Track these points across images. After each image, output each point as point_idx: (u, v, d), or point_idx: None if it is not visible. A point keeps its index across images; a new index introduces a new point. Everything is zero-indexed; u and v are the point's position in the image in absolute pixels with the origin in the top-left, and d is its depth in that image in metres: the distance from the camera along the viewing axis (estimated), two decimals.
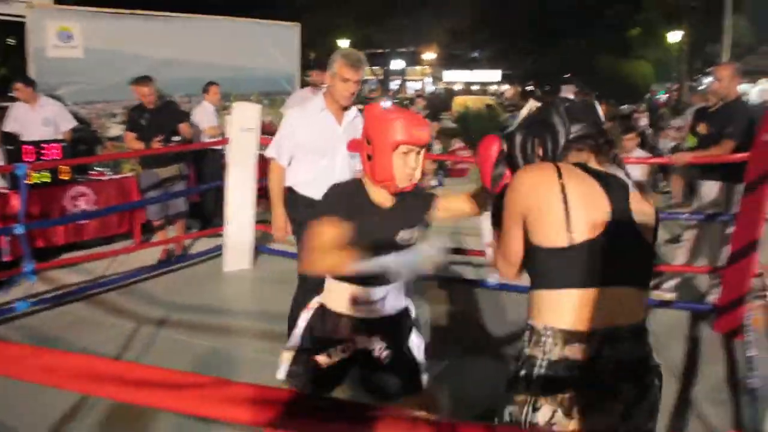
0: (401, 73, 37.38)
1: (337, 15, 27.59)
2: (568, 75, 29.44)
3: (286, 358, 2.37)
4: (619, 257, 1.60)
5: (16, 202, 5.24)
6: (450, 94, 29.24)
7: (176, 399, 1.17)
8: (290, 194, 3.71)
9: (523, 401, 1.60)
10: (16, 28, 8.20)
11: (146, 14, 8.72)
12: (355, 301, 2.27)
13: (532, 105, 1.91)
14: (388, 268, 2.00)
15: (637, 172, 6.48)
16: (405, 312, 2.44)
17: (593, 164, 1.74)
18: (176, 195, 6.10)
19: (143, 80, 5.92)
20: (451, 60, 39.56)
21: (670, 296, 5.11)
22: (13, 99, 6.98)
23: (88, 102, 8.26)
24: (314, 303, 2.39)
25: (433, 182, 9.00)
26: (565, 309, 1.58)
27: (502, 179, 1.94)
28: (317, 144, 3.60)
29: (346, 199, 2.24)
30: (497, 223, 1.81)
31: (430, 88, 39.59)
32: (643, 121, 15.04)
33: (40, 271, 5.15)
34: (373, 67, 37.74)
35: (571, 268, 1.58)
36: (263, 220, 7.26)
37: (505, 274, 1.79)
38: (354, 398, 2.72)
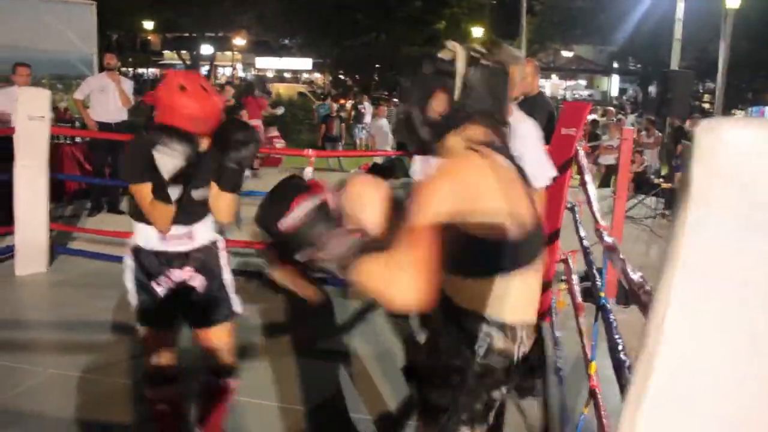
0: (211, 58, 36.28)
1: None
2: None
3: (131, 300, 2.52)
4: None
5: None
6: (262, 81, 28.83)
7: None
8: None
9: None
10: None
11: None
12: (162, 237, 2.47)
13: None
14: None
15: None
16: (214, 245, 2.64)
17: (484, 140, 1.63)
18: None
19: None
20: (262, 47, 39.07)
21: None
22: None
23: None
24: (131, 245, 2.54)
25: (246, 172, 8.71)
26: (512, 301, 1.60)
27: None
28: None
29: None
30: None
31: (241, 74, 38.87)
32: None
33: None
34: (181, 52, 36.38)
35: (513, 254, 1.57)
36: (60, 216, 6.71)
37: (397, 305, 1.44)
38: None
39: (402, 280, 1.38)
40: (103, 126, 7.36)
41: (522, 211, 1.57)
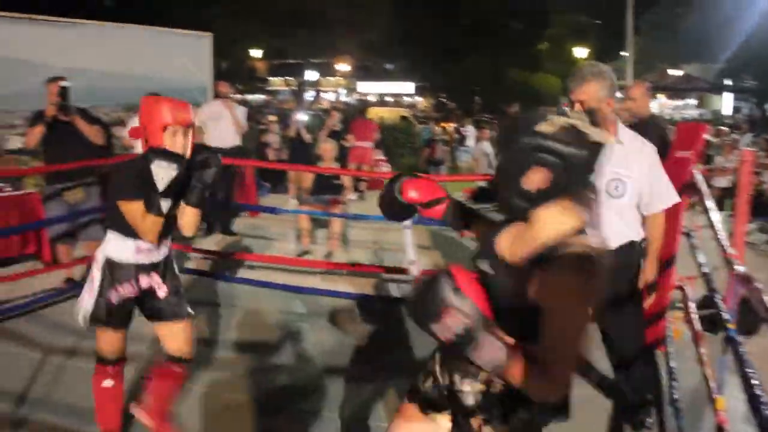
0: (315, 84, 37.23)
1: (248, 25, 27.24)
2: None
3: (86, 307, 2.85)
4: None
5: None
6: (365, 105, 29.29)
7: None
8: None
9: None
10: None
11: (50, 20, 8.33)
12: (138, 251, 2.86)
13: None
14: None
15: None
16: (169, 257, 3.06)
17: (577, 219, 1.67)
18: (83, 214, 5.66)
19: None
20: (364, 71, 39.74)
21: None
22: None
23: None
24: (100, 257, 2.87)
25: (352, 196, 8.90)
26: None
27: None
28: None
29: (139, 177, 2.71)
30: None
31: (344, 99, 39.63)
32: None
33: None
34: (287, 78, 37.52)
35: None
36: (176, 236, 7.01)
37: (557, 396, 1.59)
38: None
39: (554, 391, 1.56)
40: (217, 151, 7.67)
41: None
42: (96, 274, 2.86)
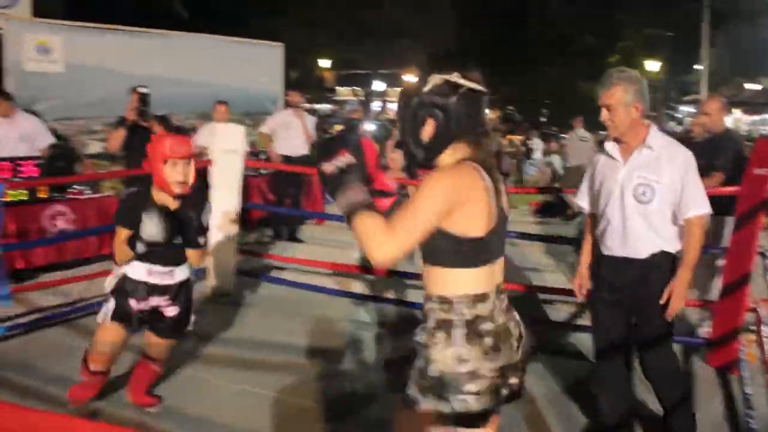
0: (383, 94, 37.43)
1: (317, 35, 27.63)
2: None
3: (111, 305, 3.24)
4: (501, 237, 2.03)
5: None
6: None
7: None
8: None
9: (452, 356, 1.91)
10: None
11: (129, 30, 8.64)
12: (149, 273, 3.23)
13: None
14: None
15: None
16: (187, 281, 3.40)
17: (470, 155, 1.98)
18: None
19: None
20: None
21: None
22: None
23: (67, 118, 8.11)
24: (119, 273, 3.26)
25: None
26: (476, 280, 1.94)
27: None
28: None
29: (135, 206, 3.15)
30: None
31: None
32: None
33: (16, 294, 4.97)
34: (355, 88, 37.81)
35: (480, 249, 1.93)
36: (245, 243, 7.15)
37: (382, 256, 1.81)
38: None
39: (390, 244, 1.79)
40: (286, 159, 7.82)
41: (492, 217, 1.93)
42: (112, 282, 3.29)
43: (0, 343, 4.41)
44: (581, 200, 3.48)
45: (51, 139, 6.90)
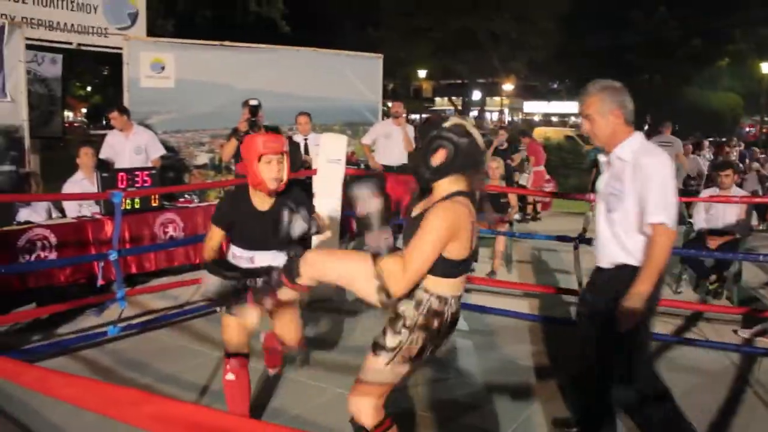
0: (480, 103, 37.30)
1: (415, 46, 27.81)
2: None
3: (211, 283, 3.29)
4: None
5: (109, 229, 5.38)
6: (529, 125, 28.92)
7: None
8: None
9: (408, 334, 2.51)
10: (113, 59, 8.51)
11: (233, 46, 8.95)
12: (240, 259, 3.37)
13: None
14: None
15: (734, 210, 6.18)
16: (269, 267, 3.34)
17: (465, 188, 2.49)
18: None
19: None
20: (529, 91, 39.30)
21: None
22: (109, 127, 7.22)
23: (177, 131, 8.48)
24: (229, 254, 3.46)
25: (517, 216, 8.75)
26: (447, 286, 2.50)
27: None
28: None
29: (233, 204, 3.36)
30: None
31: (507, 118, 39.39)
32: (734, 156, 14.44)
33: (130, 297, 5.25)
34: (452, 98, 37.85)
35: (459, 268, 2.50)
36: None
37: (399, 291, 2.43)
38: None
39: (405, 280, 2.39)
40: (387, 168, 7.92)
41: (470, 243, 2.49)
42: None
43: (114, 342, 4.68)
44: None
45: (162, 151, 7.25)
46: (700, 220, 6.35)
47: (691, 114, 24.20)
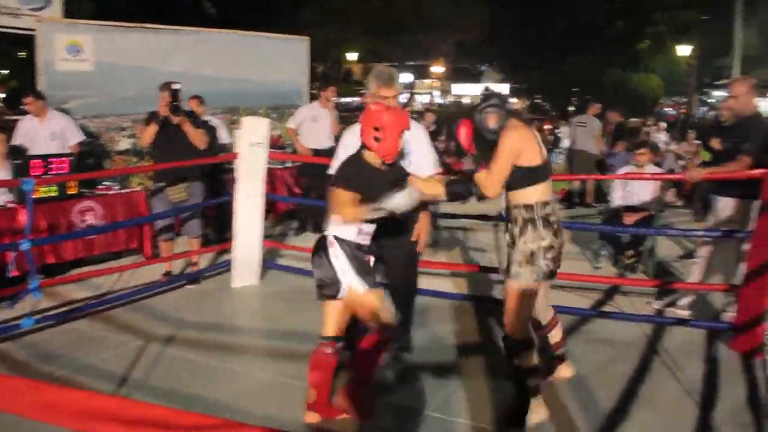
0: (410, 86, 37.37)
1: (344, 29, 27.64)
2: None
3: (351, 279, 3.29)
4: (548, 166, 3.43)
5: (22, 217, 5.20)
6: (459, 107, 29.19)
7: None
8: None
9: (537, 237, 3.26)
10: (30, 41, 8.17)
11: (155, 28, 8.72)
12: (359, 233, 3.32)
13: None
14: (385, 208, 3.15)
15: (650, 187, 6.42)
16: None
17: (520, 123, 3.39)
18: (183, 211, 5.96)
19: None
20: (459, 73, 39.59)
21: (685, 313, 5.02)
22: (23, 112, 6.96)
23: (97, 115, 8.23)
24: (331, 238, 3.32)
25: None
26: (541, 192, 3.29)
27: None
28: None
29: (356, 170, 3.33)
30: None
31: (438, 101, 39.60)
32: (662, 135, 14.91)
33: (47, 287, 5.10)
34: None
35: (541, 175, 3.29)
36: (270, 235, 7.23)
37: (492, 192, 3.29)
38: None
39: (493, 183, 3.25)
40: (315, 152, 7.87)
41: (540, 153, 3.30)
42: (338, 251, 3.31)
43: (31, 334, 4.54)
44: None
45: (81, 137, 7.02)
46: (617, 197, 6.57)
47: (614, 95, 24.78)
